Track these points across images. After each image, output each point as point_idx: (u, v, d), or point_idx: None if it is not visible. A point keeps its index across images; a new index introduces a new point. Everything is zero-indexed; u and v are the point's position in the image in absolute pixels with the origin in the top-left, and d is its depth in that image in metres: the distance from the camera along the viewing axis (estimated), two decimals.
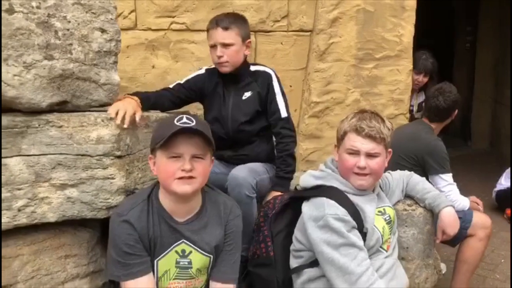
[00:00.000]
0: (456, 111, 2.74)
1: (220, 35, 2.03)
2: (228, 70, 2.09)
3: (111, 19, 1.70)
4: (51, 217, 1.59)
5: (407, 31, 3.11)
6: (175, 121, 1.43)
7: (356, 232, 1.57)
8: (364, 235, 1.60)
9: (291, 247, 1.74)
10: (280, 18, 2.92)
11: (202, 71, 2.21)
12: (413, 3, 3.08)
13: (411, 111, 3.43)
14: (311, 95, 3.00)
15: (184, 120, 1.43)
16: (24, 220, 1.56)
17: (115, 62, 1.73)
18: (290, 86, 3.04)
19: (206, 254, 1.54)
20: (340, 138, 1.70)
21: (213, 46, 2.08)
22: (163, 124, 1.50)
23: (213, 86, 2.16)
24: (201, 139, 1.44)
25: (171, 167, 1.42)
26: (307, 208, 1.65)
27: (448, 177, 2.50)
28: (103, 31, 1.68)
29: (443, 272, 2.87)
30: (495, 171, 4.19)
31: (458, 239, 2.42)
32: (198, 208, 1.55)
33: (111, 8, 1.69)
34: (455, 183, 2.51)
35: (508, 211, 3.84)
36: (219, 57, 2.05)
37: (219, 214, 1.58)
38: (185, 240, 1.51)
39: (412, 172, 2.05)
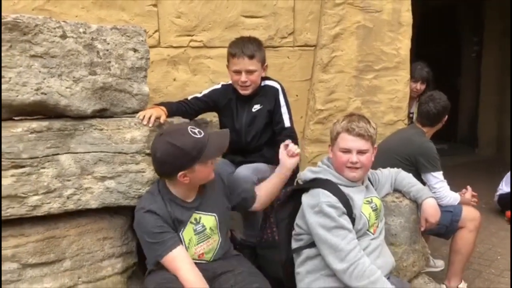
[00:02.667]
0: (446, 116, 2.92)
1: (247, 63, 2.25)
2: (249, 93, 2.33)
3: (142, 40, 2.03)
4: (93, 204, 1.91)
5: (404, 44, 3.38)
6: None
7: (346, 217, 1.85)
8: (353, 219, 1.87)
9: (293, 232, 2.03)
10: (287, 34, 3.24)
11: (219, 86, 2.46)
12: (409, 19, 3.35)
13: (411, 118, 3.65)
14: (316, 103, 3.29)
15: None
16: (72, 206, 1.88)
17: (145, 76, 2.06)
18: (297, 95, 3.34)
19: (210, 214, 1.90)
20: (334, 139, 2.00)
21: (236, 71, 2.29)
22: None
23: (227, 101, 2.40)
24: None
25: (205, 172, 1.85)
26: (306, 198, 1.93)
27: (439, 174, 2.70)
28: (135, 50, 2.01)
29: (442, 268, 3.10)
30: (501, 177, 4.32)
31: (450, 232, 2.65)
32: (198, 189, 1.93)
33: (141, 32, 2.03)
34: (445, 180, 2.70)
35: (508, 213, 4.02)
36: (244, 81, 2.28)
37: (214, 184, 1.94)
38: (195, 211, 1.88)
39: (400, 169, 2.33)
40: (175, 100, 2.44)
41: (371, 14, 3.28)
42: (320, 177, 1.98)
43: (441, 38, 7.13)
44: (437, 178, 2.69)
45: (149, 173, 1.94)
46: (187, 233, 1.86)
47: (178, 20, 3.10)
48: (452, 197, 2.67)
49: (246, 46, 2.27)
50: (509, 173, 4.13)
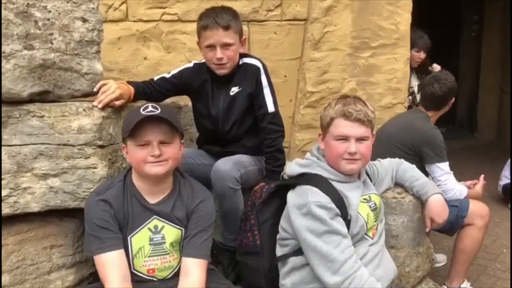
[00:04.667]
0: (453, 99, 2.69)
1: (221, 35, 1.92)
2: (226, 72, 2.00)
3: (93, 8, 1.69)
4: (35, 207, 1.60)
5: (404, 18, 3.07)
6: (141, 110, 1.50)
7: (340, 219, 1.55)
8: (348, 222, 1.58)
9: (278, 236, 1.73)
10: (273, 7, 2.91)
11: (191, 65, 2.12)
12: None
13: (411, 93, 3.42)
14: (306, 85, 2.98)
15: (150, 108, 1.51)
16: (7, 210, 1.57)
17: (98, 52, 1.73)
18: (285, 76, 3.03)
19: (178, 226, 1.59)
20: (326, 126, 1.67)
21: (209, 46, 1.95)
22: (130, 114, 1.57)
23: (201, 83, 2.07)
24: (168, 125, 1.51)
25: (141, 154, 1.50)
26: (292, 196, 1.64)
27: (445, 165, 2.46)
28: (84, 20, 1.67)
29: (444, 263, 2.86)
30: (502, 161, 4.13)
31: (455, 228, 2.43)
32: (169, 191, 1.61)
33: None
34: (451, 172, 2.48)
35: None
36: (220, 58, 1.94)
37: (185, 198, 1.62)
38: (156, 216, 1.57)
39: (402, 160, 2.02)
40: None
41: None
42: (309, 172, 1.66)
43: (440, 19, 6.82)
44: (442, 170, 2.45)
45: (102, 169, 1.62)
46: (140, 239, 1.55)
47: None
48: (458, 190, 2.43)
49: (219, 16, 1.93)
50: (509, 161, 3.88)
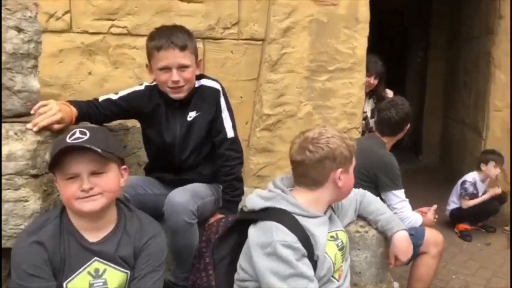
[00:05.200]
0: (408, 125, 2.69)
1: (178, 56, 1.74)
2: (183, 96, 1.81)
3: (30, 17, 1.48)
4: None
5: (361, 43, 3.04)
6: (67, 138, 1.28)
7: (306, 260, 1.42)
8: (314, 263, 1.44)
9: (235, 276, 1.56)
10: (230, 25, 2.77)
11: (141, 87, 1.90)
12: (367, 15, 3.02)
13: (365, 118, 3.41)
14: (263, 107, 2.87)
15: (76, 135, 1.28)
16: None
17: (35, 66, 1.52)
18: (241, 97, 2.89)
19: (123, 270, 1.37)
20: None
21: (164, 68, 1.76)
22: (56, 142, 1.34)
23: (153, 107, 1.86)
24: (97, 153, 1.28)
25: (69, 189, 1.28)
26: (254, 233, 1.47)
27: (400, 193, 2.44)
28: (19, 30, 1.46)
29: None
30: (446, 184, 4.22)
31: (411, 257, 2.38)
32: (112, 227, 1.40)
33: (30, 5, 1.47)
34: (407, 200, 2.45)
35: (459, 226, 3.88)
36: (176, 81, 1.76)
37: (133, 234, 1.41)
38: (97, 258, 1.34)
39: (366, 191, 1.94)
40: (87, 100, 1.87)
41: (326, 7, 2.91)
42: (273, 206, 1.52)
43: (389, 43, 7.04)
44: (398, 197, 2.42)
45: (34, 202, 1.40)
46: (78, 285, 1.32)
47: (96, 1, 2.53)
48: (414, 219, 2.40)
49: (174, 35, 1.75)
50: (457, 186, 3.96)
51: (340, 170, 1.49)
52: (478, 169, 3.93)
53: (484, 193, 3.89)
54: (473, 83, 4.80)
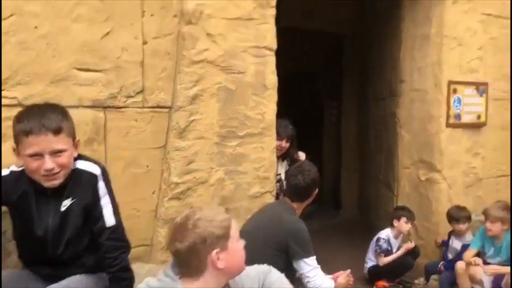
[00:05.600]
0: (316, 190, 2.73)
1: (52, 141, 1.56)
2: (58, 183, 1.63)
3: None
4: None
5: (270, 108, 3.09)
6: None
7: None
8: None
9: None
10: (134, 93, 2.68)
11: (6, 171, 1.69)
12: (274, 82, 3.10)
13: (279, 180, 3.41)
14: (171, 175, 2.76)
15: None
16: None
17: None
18: (147, 166, 2.77)
19: None
20: None
21: (35, 155, 1.56)
22: None
23: (20, 196, 1.66)
24: None
25: None
26: None
27: (312, 261, 2.42)
28: None
29: None
30: (365, 240, 4.27)
31: None
32: None
33: None
34: (319, 266, 2.43)
35: (378, 283, 3.91)
36: (50, 169, 1.57)
37: None
38: None
39: (271, 268, 1.86)
40: None
41: (233, 75, 2.94)
42: None
43: (304, 102, 7.33)
44: (310, 265, 2.41)
45: None
46: None
47: None
48: (326, 286, 2.38)
49: (46, 116, 1.57)
50: (373, 243, 4.04)
51: (215, 251, 1.40)
52: (391, 225, 4.05)
53: (398, 249, 3.98)
54: (383, 142, 5.05)
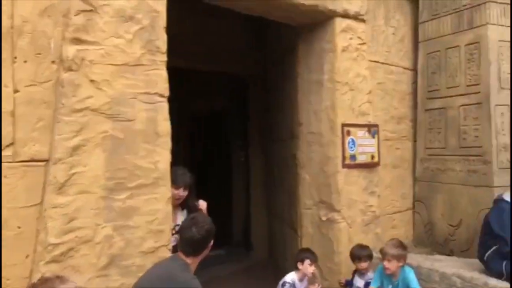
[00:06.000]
0: (212, 242, 2.63)
1: None
2: None
3: None
4: None
5: (163, 157, 2.95)
6: None
7: None
8: None
9: None
10: (3, 147, 2.41)
11: None
12: (167, 128, 2.97)
13: (178, 231, 3.23)
14: (48, 235, 2.48)
15: None
16: None
17: None
18: (19, 227, 2.46)
19: None
20: None
21: None
22: None
23: None
24: None
25: None
26: None
27: None
28: None
29: None
30: (276, 282, 4.13)
31: None
32: None
33: None
34: None
35: None
36: None
37: None
38: None
39: None
40: None
41: (121, 123, 2.77)
42: None
43: (213, 143, 7.28)
44: None
45: None
46: None
47: None
48: None
49: None
50: (278, 287, 3.98)
51: None
52: (296, 268, 4.02)
53: None
54: (285, 182, 5.11)
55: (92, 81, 2.65)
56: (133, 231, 2.81)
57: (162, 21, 2.95)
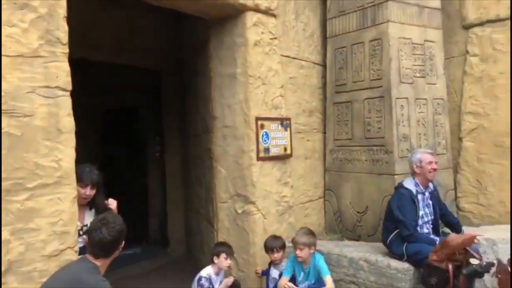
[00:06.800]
0: (123, 242, 2.54)
1: None
2: None
3: None
4: None
5: (66, 155, 2.77)
6: None
7: None
8: None
9: None
10: None
11: None
12: (71, 124, 2.80)
13: (86, 232, 3.07)
14: None
15: None
16: None
17: None
18: None
19: None
20: None
21: None
22: None
23: None
24: None
25: None
26: None
27: None
28: None
29: None
30: (191, 277, 4.11)
31: None
32: None
33: None
34: None
35: None
36: None
37: None
38: None
39: None
40: None
41: (18, 119, 2.57)
42: None
43: (127, 139, 7.03)
44: None
45: None
46: None
47: None
48: None
49: None
50: (194, 283, 3.96)
51: None
52: (212, 262, 4.02)
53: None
54: (201, 176, 5.09)
55: None
56: (34, 234, 2.62)
57: (62, 9, 2.77)
